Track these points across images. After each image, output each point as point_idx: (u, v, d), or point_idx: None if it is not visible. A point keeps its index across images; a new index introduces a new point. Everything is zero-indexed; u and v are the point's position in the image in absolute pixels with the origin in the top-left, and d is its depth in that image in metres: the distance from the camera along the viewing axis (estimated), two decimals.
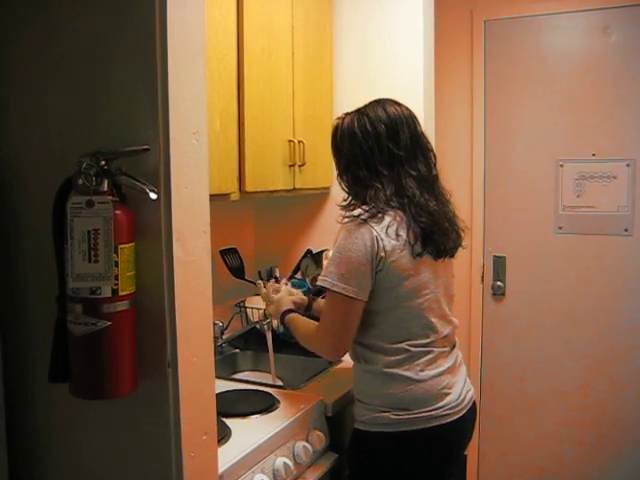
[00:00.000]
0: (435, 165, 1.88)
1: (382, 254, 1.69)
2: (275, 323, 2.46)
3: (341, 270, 1.70)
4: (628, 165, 3.12)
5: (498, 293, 3.42)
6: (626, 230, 3.15)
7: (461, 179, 3.42)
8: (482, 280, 3.44)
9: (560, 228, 3.27)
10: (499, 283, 3.40)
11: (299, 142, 2.46)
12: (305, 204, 2.89)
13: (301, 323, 1.97)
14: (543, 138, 3.27)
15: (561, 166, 3.24)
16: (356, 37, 2.74)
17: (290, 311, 2.04)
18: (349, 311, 1.73)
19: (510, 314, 3.41)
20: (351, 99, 2.43)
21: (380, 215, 1.72)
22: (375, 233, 1.69)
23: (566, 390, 3.31)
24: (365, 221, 1.71)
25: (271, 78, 2.32)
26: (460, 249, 1.93)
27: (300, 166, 2.48)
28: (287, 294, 2.16)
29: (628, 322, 3.18)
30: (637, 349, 3.17)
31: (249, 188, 2.21)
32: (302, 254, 2.76)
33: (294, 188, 2.49)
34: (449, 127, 3.39)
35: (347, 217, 1.75)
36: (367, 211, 1.73)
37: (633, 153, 3.11)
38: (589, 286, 3.23)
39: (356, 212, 1.74)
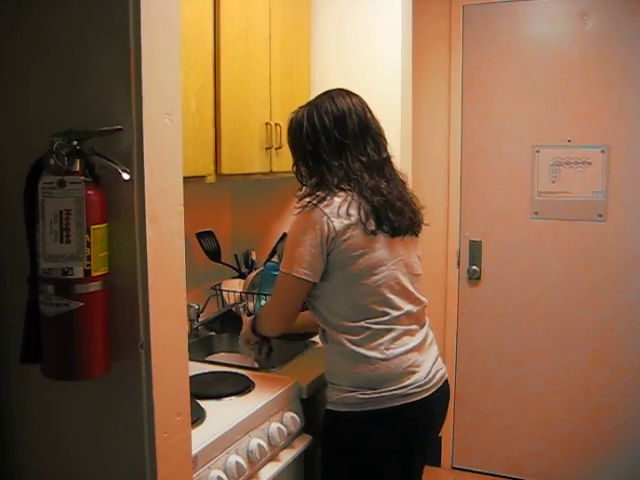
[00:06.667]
0: (385, 149, 1.94)
1: (333, 235, 1.75)
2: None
3: (294, 254, 1.77)
4: (603, 151, 3.15)
5: (473, 277, 3.45)
6: (600, 216, 3.19)
7: (438, 164, 3.43)
8: (458, 264, 3.47)
9: (536, 213, 3.30)
10: (475, 267, 3.43)
11: (276, 125, 2.44)
12: (282, 187, 2.87)
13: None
14: (519, 123, 3.29)
15: (537, 151, 3.26)
16: (334, 20, 2.72)
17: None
18: (298, 292, 1.83)
19: (485, 298, 3.45)
20: (328, 81, 2.43)
21: (329, 198, 1.78)
22: (325, 215, 1.75)
23: (541, 372, 3.36)
24: (315, 205, 1.77)
25: (248, 60, 2.29)
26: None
27: (277, 149, 2.46)
28: None
29: (602, 305, 3.23)
30: (610, 330, 3.23)
31: (225, 170, 2.19)
32: (278, 237, 2.76)
33: (271, 171, 2.48)
34: (426, 112, 3.40)
35: (298, 207, 1.82)
36: (317, 196, 1.79)
37: (608, 139, 3.15)
38: (563, 271, 3.27)
39: (307, 199, 1.81)
